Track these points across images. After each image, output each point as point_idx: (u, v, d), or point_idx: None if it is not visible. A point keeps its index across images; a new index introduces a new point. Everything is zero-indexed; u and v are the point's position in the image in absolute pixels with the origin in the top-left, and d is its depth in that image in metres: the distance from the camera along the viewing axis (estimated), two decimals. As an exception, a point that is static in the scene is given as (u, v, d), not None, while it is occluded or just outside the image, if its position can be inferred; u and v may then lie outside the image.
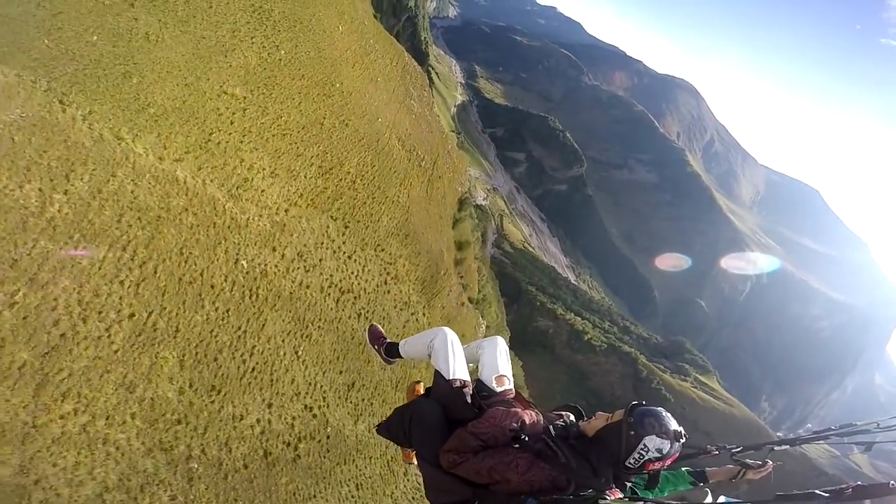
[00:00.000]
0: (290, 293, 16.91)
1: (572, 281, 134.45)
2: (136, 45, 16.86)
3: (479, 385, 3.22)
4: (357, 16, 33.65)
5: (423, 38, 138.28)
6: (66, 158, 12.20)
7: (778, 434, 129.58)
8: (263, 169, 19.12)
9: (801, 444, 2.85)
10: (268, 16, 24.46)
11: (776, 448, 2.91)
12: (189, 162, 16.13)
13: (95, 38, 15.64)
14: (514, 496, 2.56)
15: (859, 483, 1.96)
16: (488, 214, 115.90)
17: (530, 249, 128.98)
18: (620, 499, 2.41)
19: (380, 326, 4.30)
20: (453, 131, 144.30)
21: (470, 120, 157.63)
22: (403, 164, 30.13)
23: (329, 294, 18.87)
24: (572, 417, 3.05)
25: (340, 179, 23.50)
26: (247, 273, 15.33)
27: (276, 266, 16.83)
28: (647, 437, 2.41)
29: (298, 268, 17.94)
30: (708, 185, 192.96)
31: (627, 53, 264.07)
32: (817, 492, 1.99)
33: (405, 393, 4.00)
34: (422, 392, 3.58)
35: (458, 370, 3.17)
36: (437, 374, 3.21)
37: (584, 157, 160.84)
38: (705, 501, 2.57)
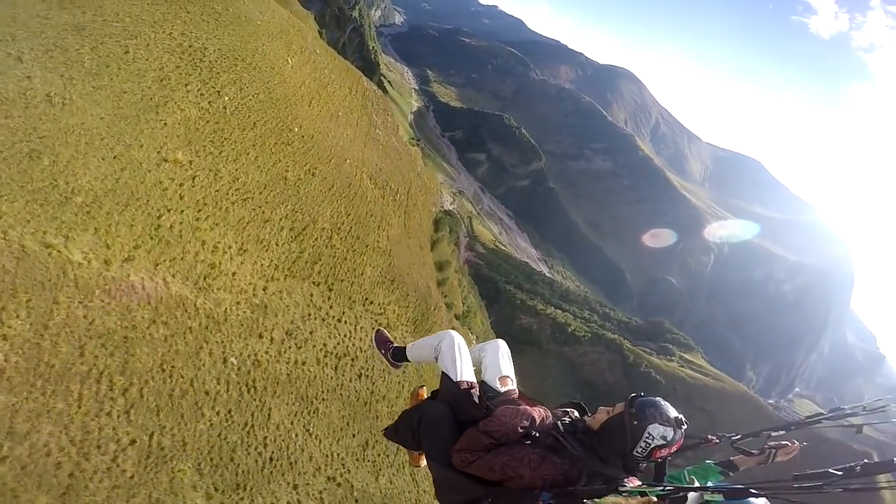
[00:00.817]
0: (288, 375, 15.76)
1: (547, 274, 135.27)
2: (37, 112, 13.24)
3: (484, 386, 3.23)
4: (306, 44, 30.48)
5: (371, 47, 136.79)
6: (-13, 294, 9.64)
7: (769, 401, 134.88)
8: (230, 247, 16.30)
9: (795, 428, 2.87)
10: (201, 56, 20.89)
11: (773, 433, 2.90)
12: (141, 259, 13.14)
13: (-24, 111, 12.28)
14: (528, 491, 2.56)
15: (866, 461, 2.03)
16: (457, 219, 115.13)
17: (502, 248, 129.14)
18: (640, 484, 2.34)
19: (385, 331, 4.30)
20: (412, 139, 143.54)
21: (428, 125, 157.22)
22: (379, 205, 27.69)
23: (326, 364, 17.61)
24: (577, 414, 3.02)
25: (316, 238, 20.86)
26: (238, 369, 14.09)
27: (266, 352, 15.36)
28: (650, 426, 2.42)
29: (290, 347, 16.45)
30: (660, 167, 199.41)
31: (569, 47, 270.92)
32: (830, 470, 2.03)
33: (409, 398, 3.95)
34: (425, 396, 3.61)
35: (465, 372, 3.17)
36: (445, 377, 3.20)
37: (542, 152, 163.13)
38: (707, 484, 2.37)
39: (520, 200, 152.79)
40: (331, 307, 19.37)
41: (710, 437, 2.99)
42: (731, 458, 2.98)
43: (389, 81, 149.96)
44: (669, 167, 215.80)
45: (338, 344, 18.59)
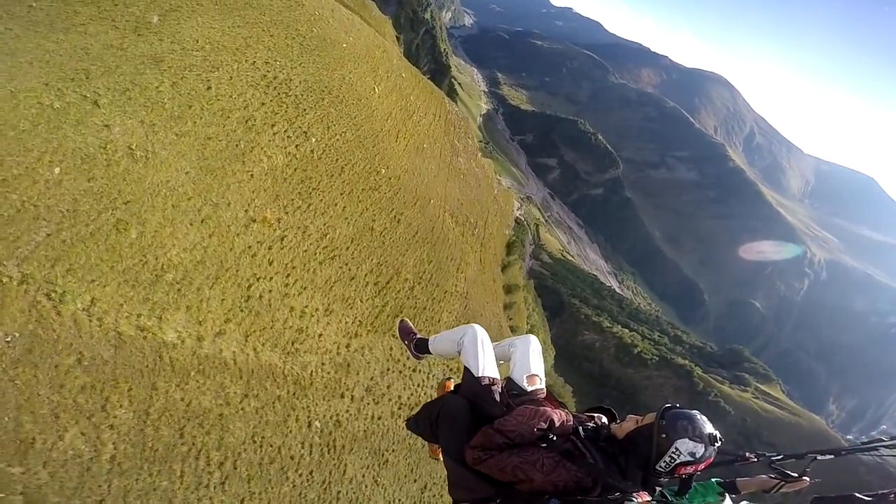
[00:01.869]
0: (365, 431, 16.17)
1: (616, 289, 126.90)
2: (120, 169, 12.07)
3: (510, 384, 3.05)
4: (392, 67, 29.01)
5: (442, 49, 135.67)
6: (91, 386, 9.82)
7: (848, 437, 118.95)
8: (316, 310, 16.06)
9: (847, 454, 2.62)
10: (286, 90, 19.53)
11: (819, 457, 2.61)
12: (232, 332, 13.10)
13: (58, 170, 10.96)
14: (538, 496, 2.49)
15: None
16: (524, 226, 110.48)
17: (569, 258, 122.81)
18: (648, 501, 2.31)
19: (410, 322, 4.18)
20: (481, 142, 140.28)
21: (497, 128, 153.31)
22: (458, 244, 27.15)
23: (399, 416, 17.49)
24: (604, 419, 2.86)
25: (398, 291, 20.29)
26: (321, 431, 14.66)
27: (347, 411, 15.77)
28: (678, 441, 2.28)
29: (368, 403, 16.65)
30: (753, 180, 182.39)
31: (652, 49, 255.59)
32: (857, 495, 1.94)
33: (437, 388, 4.17)
34: (452, 388, 3.50)
35: (486, 367, 3.07)
36: (466, 371, 3.10)
37: (619, 159, 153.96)
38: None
39: (592, 209, 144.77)
40: (408, 359, 18.79)
41: (747, 454, 2.72)
42: (736, 479, 2.74)
43: (459, 84, 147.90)
44: (763, 180, 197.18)
45: (411, 395, 18.67)
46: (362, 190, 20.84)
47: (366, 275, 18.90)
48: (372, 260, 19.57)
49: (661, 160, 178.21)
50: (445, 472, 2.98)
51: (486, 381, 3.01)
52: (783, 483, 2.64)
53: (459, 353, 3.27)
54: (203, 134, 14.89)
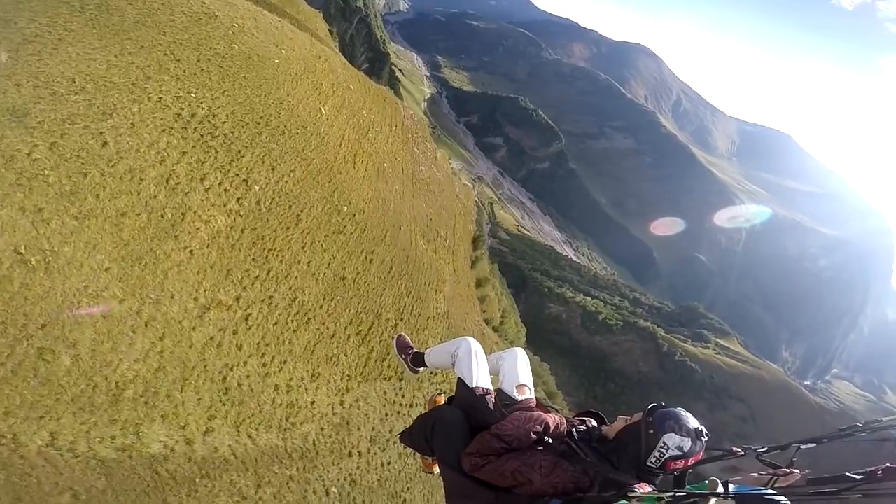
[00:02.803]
0: (378, 480, 15.22)
1: (573, 257, 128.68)
2: (16, 286, 8.66)
3: (501, 394, 3.15)
4: (337, 79, 24.49)
5: (379, 37, 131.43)
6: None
7: (805, 383, 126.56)
8: (302, 379, 14.12)
9: (828, 440, 2.56)
10: (211, 128, 14.94)
11: (803, 446, 2.57)
12: (221, 427, 11.14)
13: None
14: (538, 498, 2.50)
15: (889, 465, 1.90)
16: (479, 206, 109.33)
17: (525, 232, 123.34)
18: (652, 490, 2.30)
19: (407, 336, 4.26)
20: (429, 126, 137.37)
21: (442, 112, 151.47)
22: (433, 264, 24.80)
23: (407, 454, 16.07)
24: (594, 423, 2.89)
25: (382, 333, 18.26)
26: (339, 495, 13.55)
27: (358, 468, 14.63)
28: (666, 436, 2.32)
29: (375, 453, 15.53)
30: (684, 143, 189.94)
31: (581, 24, 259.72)
32: (849, 474, 1.95)
33: (426, 404, 4.01)
34: (442, 403, 3.55)
35: (480, 378, 3.12)
36: (461, 382, 3.15)
37: (561, 133, 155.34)
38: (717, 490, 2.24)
39: (541, 183, 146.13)
40: (403, 396, 17.78)
41: (734, 448, 2.69)
42: (729, 481, 2.55)
43: (401, 70, 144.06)
44: (694, 143, 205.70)
45: (414, 430, 16.92)
46: (325, 236, 17.51)
47: (346, 328, 16.72)
48: (350, 311, 17.15)
49: (600, 131, 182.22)
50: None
51: (481, 392, 3.02)
52: (777, 477, 2.51)
53: (453, 364, 3.28)
54: (113, 209, 10.85)
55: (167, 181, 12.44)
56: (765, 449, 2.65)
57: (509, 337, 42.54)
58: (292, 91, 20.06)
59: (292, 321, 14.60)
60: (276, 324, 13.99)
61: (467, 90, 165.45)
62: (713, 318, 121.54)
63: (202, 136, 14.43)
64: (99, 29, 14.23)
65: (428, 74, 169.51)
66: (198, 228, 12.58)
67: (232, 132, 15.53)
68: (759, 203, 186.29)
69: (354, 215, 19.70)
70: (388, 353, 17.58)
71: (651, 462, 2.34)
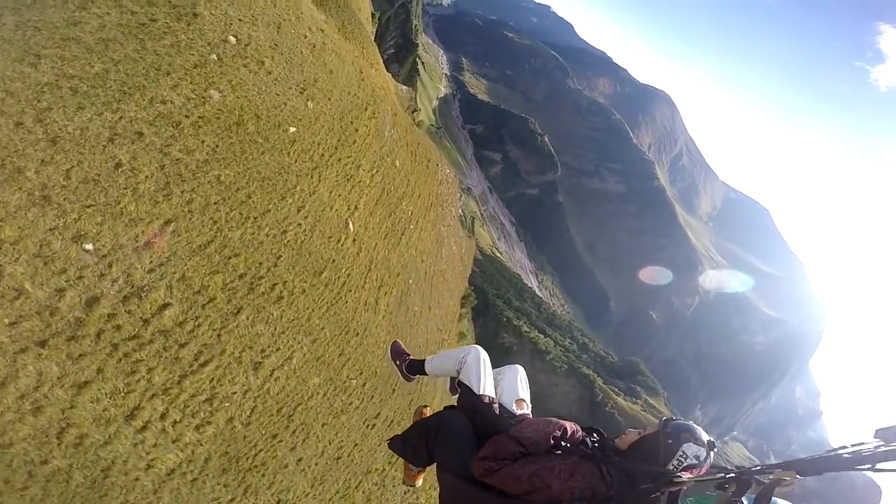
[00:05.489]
0: None
1: (535, 289, 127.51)
2: None
3: (500, 408, 3.07)
4: (382, 148, 15.30)
5: (413, 25, 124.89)
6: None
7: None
8: None
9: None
10: (230, 273, 7.97)
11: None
12: None
13: None
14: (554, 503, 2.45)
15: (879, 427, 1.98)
16: (463, 220, 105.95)
17: (498, 255, 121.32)
18: (698, 474, 2.31)
19: (401, 343, 4.09)
20: (432, 126, 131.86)
21: (451, 114, 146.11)
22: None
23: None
24: (604, 434, 2.87)
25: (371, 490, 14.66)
26: None
27: None
28: (685, 445, 2.34)
29: None
30: (671, 199, 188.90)
31: (614, 60, 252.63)
32: (837, 453, 2.01)
33: (412, 416, 3.74)
34: (429, 416, 3.35)
35: (487, 387, 3.05)
36: (466, 389, 3.06)
37: (559, 163, 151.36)
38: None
39: (525, 208, 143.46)
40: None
41: (728, 468, 2.61)
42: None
43: (423, 63, 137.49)
44: (680, 200, 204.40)
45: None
46: (322, 425, 11.52)
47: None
48: (339, 483, 12.80)
49: (596, 170, 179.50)
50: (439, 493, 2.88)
51: (487, 400, 2.98)
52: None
53: (459, 371, 3.23)
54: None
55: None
56: (757, 467, 2.49)
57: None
58: (311, 193, 10.51)
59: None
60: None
61: (481, 98, 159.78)
62: (649, 376, 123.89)
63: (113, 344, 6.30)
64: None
65: (448, 74, 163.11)
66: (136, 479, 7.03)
67: (182, 321, 7.03)
68: (719, 272, 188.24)
69: (364, 385, 13.23)
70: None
71: (670, 468, 2.32)
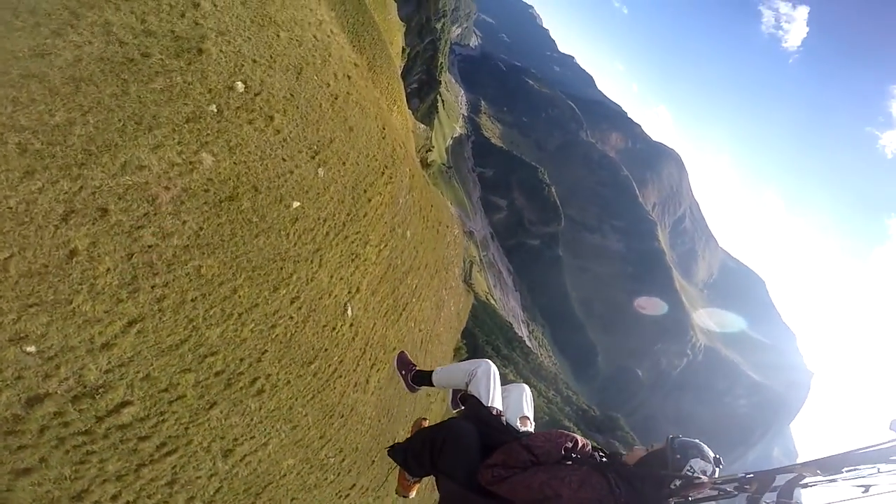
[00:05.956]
0: None
1: (525, 339, 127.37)
2: None
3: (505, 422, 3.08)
4: (395, 217, 14.06)
5: (439, 62, 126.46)
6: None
7: None
8: None
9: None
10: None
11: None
12: None
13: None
14: None
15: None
16: (465, 276, 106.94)
17: (492, 302, 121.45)
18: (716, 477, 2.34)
19: (408, 354, 4.02)
20: (444, 164, 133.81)
21: (463, 155, 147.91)
22: None
23: None
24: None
25: None
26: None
27: None
28: (693, 460, 2.37)
29: None
30: (669, 265, 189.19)
31: (629, 115, 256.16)
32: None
33: (411, 427, 3.69)
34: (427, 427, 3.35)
35: (496, 399, 3.07)
36: (474, 400, 3.05)
37: (563, 215, 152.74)
38: None
39: (525, 258, 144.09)
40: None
41: (728, 489, 2.63)
42: None
43: (443, 100, 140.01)
44: (678, 265, 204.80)
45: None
46: None
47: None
48: None
49: (599, 226, 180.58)
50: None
51: (495, 412, 2.97)
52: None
53: (468, 383, 3.19)
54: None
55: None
56: (752, 475, 2.51)
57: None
58: (309, 281, 8.89)
59: None
60: None
61: (494, 142, 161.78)
62: (629, 432, 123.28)
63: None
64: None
65: (465, 114, 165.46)
66: None
67: (144, 417, 6.09)
68: (710, 340, 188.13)
69: (343, 461, 12.19)
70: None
71: (675, 485, 2.32)
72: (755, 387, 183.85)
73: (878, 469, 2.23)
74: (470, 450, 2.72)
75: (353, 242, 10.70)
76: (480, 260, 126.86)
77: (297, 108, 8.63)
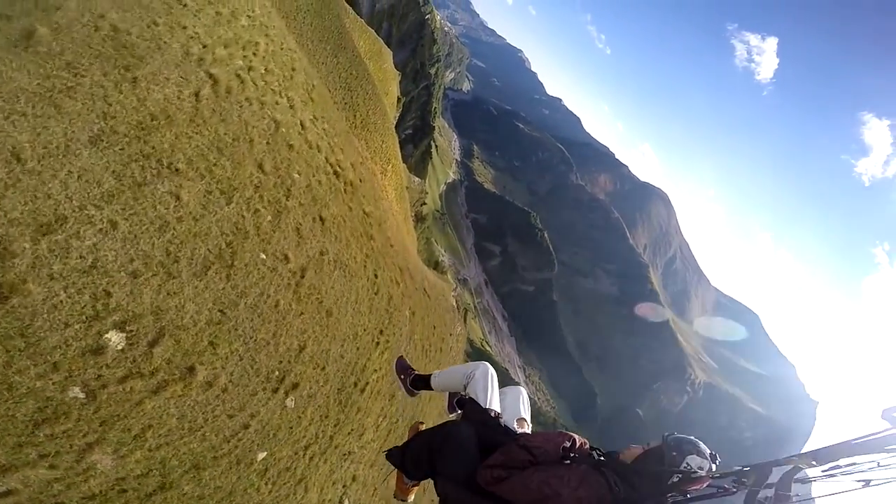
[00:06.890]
0: None
1: (522, 383, 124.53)
2: None
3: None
4: (391, 335, 11.12)
5: (433, 108, 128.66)
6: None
7: None
8: None
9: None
10: None
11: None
12: None
13: None
14: None
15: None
16: (453, 310, 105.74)
17: (487, 349, 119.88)
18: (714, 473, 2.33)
19: (407, 359, 3.98)
20: (437, 211, 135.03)
21: (456, 201, 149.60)
22: None
23: None
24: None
25: None
26: None
27: None
28: (689, 457, 2.36)
29: None
30: (663, 304, 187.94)
31: (616, 156, 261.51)
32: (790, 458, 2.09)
33: (407, 431, 3.58)
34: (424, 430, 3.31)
35: (493, 401, 3.05)
36: (473, 402, 3.03)
37: (556, 260, 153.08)
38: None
39: (520, 304, 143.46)
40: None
41: (726, 486, 2.59)
42: None
43: (437, 146, 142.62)
44: (672, 305, 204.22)
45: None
46: None
47: None
48: None
49: (591, 270, 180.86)
50: None
51: (493, 413, 2.95)
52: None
53: (466, 386, 3.18)
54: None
55: None
56: (748, 468, 2.45)
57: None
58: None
59: None
60: None
61: (487, 188, 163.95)
62: None
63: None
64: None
65: (458, 159, 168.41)
66: None
67: None
68: (709, 376, 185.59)
69: None
70: None
71: (672, 482, 2.32)
72: (759, 419, 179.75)
73: (878, 464, 2.20)
74: (468, 451, 2.71)
75: (344, 446, 8.92)
76: (475, 307, 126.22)
77: (235, 332, 5.99)
